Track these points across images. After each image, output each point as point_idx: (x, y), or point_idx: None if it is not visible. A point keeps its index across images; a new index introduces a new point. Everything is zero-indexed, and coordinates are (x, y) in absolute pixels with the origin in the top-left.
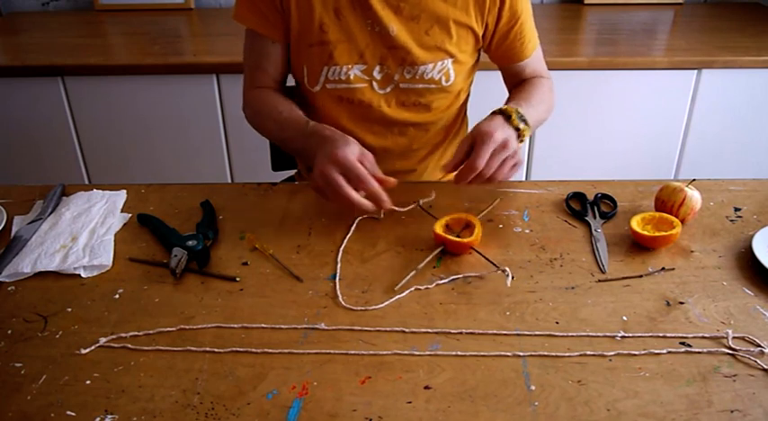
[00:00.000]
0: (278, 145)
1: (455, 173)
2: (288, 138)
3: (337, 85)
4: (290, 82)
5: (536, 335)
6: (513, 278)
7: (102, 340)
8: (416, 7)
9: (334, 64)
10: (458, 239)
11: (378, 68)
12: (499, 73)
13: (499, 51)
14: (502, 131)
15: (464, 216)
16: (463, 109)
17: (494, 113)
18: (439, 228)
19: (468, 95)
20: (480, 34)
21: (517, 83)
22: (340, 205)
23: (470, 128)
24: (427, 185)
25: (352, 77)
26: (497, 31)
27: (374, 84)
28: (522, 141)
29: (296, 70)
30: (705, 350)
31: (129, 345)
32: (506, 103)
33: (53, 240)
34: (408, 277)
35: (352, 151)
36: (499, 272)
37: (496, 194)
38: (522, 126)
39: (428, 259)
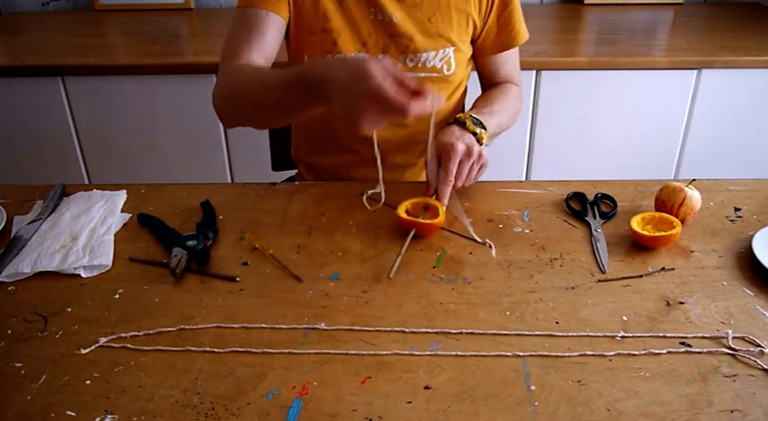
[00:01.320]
0: (263, 111)
1: (435, 195)
2: (280, 80)
3: None
4: None
5: (536, 335)
6: (495, 250)
7: (102, 340)
8: None
9: (338, 52)
10: (428, 221)
11: (380, 57)
12: None
13: (488, 40)
14: (461, 140)
15: (422, 200)
16: (462, 102)
17: (449, 124)
18: (402, 212)
19: (466, 89)
20: (478, 23)
21: (490, 84)
22: (392, 115)
23: None
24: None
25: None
26: (489, 19)
27: None
28: (482, 144)
29: (295, 59)
30: (705, 350)
31: (129, 345)
32: (471, 109)
33: (53, 240)
34: (397, 263)
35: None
36: (500, 271)
37: (497, 194)
38: (478, 130)
39: (406, 243)
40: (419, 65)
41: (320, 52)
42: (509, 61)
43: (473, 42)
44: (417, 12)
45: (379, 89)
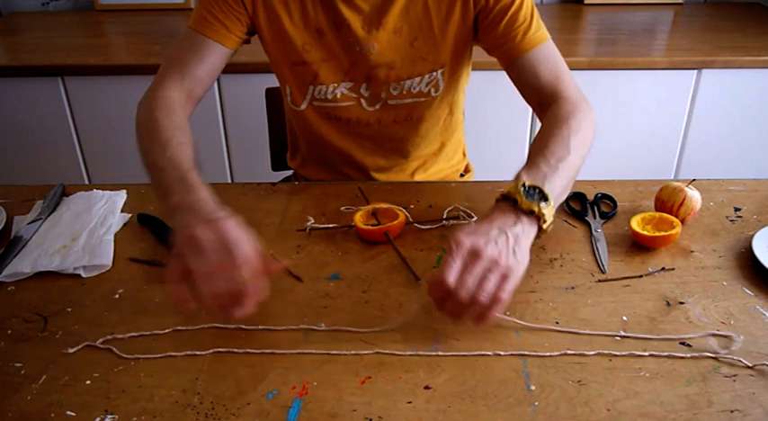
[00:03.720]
0: (146, 169)
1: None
2: (159, 172)
3: (324, 104)
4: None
5: (536, 335)
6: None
7: (101, 340)
8: (400, 19)
9: (320, 83)
10: (369, 227)
11: (364, 86)
12: (493, 73)
13: (494, 43)
14: (477, 236)
15: (363, 210)
16: (457, 114)
17: (497, 202)
18: (358, 217)
19: (464, 98)
20: (471, 23)
21: (533, 98)
22: (192, 291)
23: (466, 129)
24: (425, 185)
25: (339, 96)
26: (486, 15)
27: (362, 101)
28: (545, 225)
29: (281, 88)
30: (705, 350)
31: (129, 346)
32: (524, 166)
33: (53, 240)
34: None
35: (239, 228)
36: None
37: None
38: (536, 206)
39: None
40: (404, 92)
41: (303, 83)
42: (544, 61)
43: (482, 43)
44: (398, 38)
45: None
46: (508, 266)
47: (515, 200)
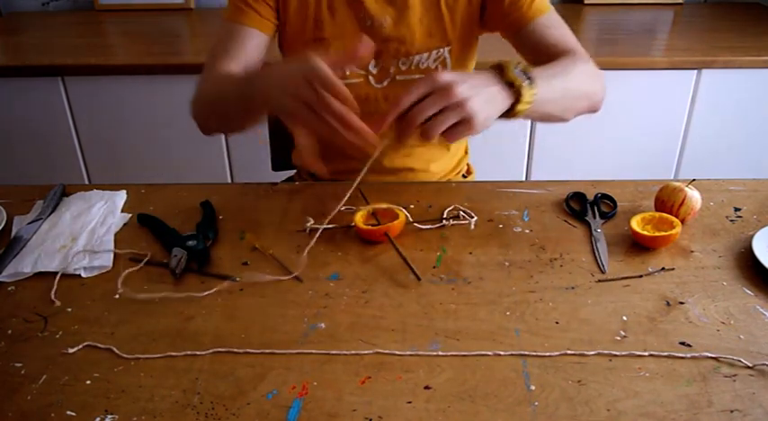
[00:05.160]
0: (225, 116)
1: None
2: (233, 84)
3: None
4: None
5: (536, 335)
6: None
7: (100, 341)
8: None
9: None
10: (369, 227)
11: (373, 63)
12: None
13: (500, 13)
14: (457, 76)
15: (364, 210)
16: None
17: (487, 69)
18: (358, 217)
19: None
20: (477, 5)
21: (549, 59)
22: (322, 133)
23: None
24: (425, 186)
25: (348, 72)
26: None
27: (370, 78)
28: (520, 104)
29: None
30: (705, 350)
31: (129, 346)
32: None
33: (53, 240)
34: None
35: (324, 64)
36: (500, 271)
37: (497, 194)
38: (518, 81)
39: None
40: (412, 67)
41: None
42: (553, 27)
43: (486, 19)
44: (408, 12)
45: (315, 98)
46: (472, 112)
47: (503, 68)
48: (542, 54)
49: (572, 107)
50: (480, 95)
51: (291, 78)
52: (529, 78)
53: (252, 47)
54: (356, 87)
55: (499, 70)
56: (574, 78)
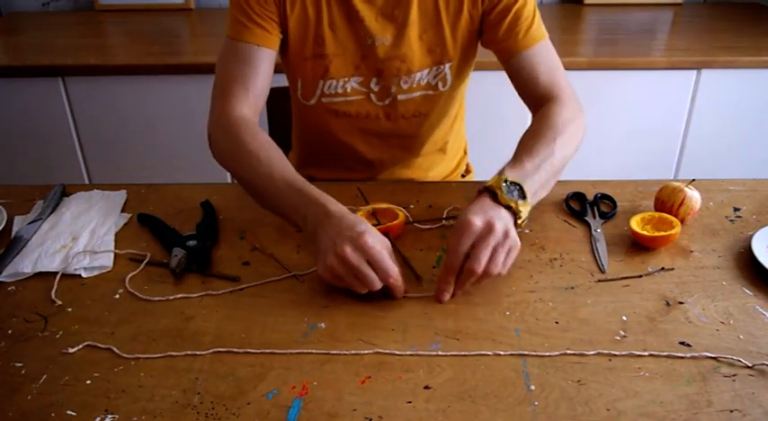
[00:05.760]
0: (260, 200)
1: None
2: (275, 197)
3: (333, 99)
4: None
5: (536, 335)
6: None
7: (100, 341)
8: (412, 12)
9: (330, 78)
10: (395, 222)
11: (375, 80)
12: (493, 73)
13: (495, 38)
14: (483, 216)
15: (364, 210)
16: (461, 112)
17: (479, 193)
18: (361, 215)
19: (464, 97)
20: (478, 23)
21: (533, 94)
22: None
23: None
24: (425, 186)
25: (348, 90)
26: (492, 9)
27: (372, 96)
28: (520, 220)
29: (290, 83)
30: (705, 350)
31: (129, 346)
32: (509, 161)
33: (53, 240)
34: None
35: (380, 239)
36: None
37: None
38: (514, 202)
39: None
40: (413, 85)
41: (313, 77)
42: (543, 62)
43: (484, 40)
44: (409, 30)
45: (359, 270)
46: (516, 240)
47: (496, 193)
48: (528, 88)
49: (559, 175)
50: (504, 220)
51: (341, 243)
52: (519, 190)
53: (264, 69)
54: (357, 104)
55: (492, 195)
56: (557, 156)
